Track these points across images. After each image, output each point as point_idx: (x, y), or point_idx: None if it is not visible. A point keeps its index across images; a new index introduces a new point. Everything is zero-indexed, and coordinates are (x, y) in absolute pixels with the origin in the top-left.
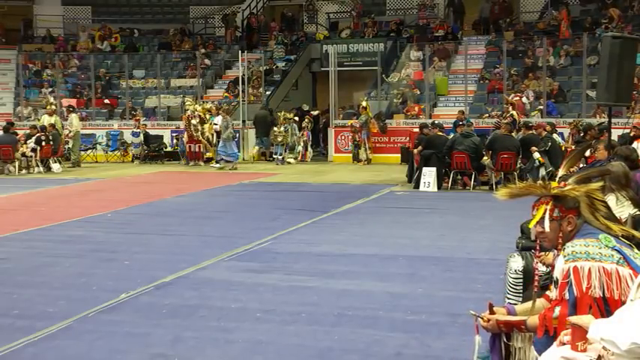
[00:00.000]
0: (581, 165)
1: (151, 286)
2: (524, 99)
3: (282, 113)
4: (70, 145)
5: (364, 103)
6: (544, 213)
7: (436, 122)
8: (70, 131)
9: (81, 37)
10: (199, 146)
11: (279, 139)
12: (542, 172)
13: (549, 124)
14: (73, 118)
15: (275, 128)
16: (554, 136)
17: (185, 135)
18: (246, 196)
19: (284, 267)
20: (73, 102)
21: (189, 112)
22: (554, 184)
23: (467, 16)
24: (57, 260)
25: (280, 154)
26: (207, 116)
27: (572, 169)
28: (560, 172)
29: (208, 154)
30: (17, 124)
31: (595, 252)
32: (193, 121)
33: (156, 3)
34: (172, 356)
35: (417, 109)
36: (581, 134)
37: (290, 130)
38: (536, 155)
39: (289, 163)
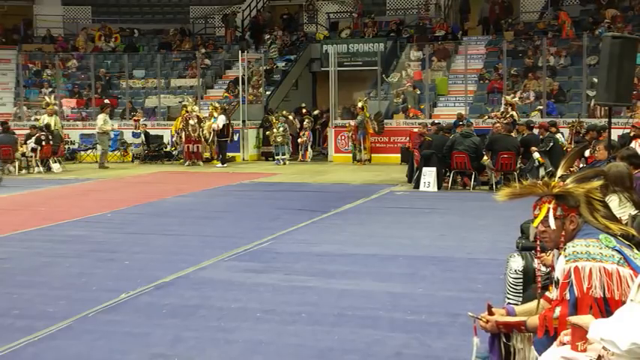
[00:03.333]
0: (581, 165)
1: (151, 286)
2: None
3: (281, 112)
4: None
5: (360, 104)
6: (547, 211)
7: (437, 122)
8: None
9: (80, 38)
10: (198, 146)
11: (279, 139)
12: (542, 172)
13: (552, 124)
14: (99, 118)
15: (274, 130)
16: (558, 136)
17: (182, 135)
18: (246, 196)
19: (284, 267)
20: (73, 102)
21: (187, 113)
22: (554, 182)
23: (469, 15)
24: (57, 260)
25: (283, 154)
26: (215, 114)
27: (571, 169)
28: (559, 172)
29: (206, 154)
30: (16, 124)
31: (596, 252)
32: (191, 122)
33: (156, 3)
34: (172, 356)
35: (411, 114)
36: (581, 134)
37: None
38: (536, 155)
39: (284, 164)
